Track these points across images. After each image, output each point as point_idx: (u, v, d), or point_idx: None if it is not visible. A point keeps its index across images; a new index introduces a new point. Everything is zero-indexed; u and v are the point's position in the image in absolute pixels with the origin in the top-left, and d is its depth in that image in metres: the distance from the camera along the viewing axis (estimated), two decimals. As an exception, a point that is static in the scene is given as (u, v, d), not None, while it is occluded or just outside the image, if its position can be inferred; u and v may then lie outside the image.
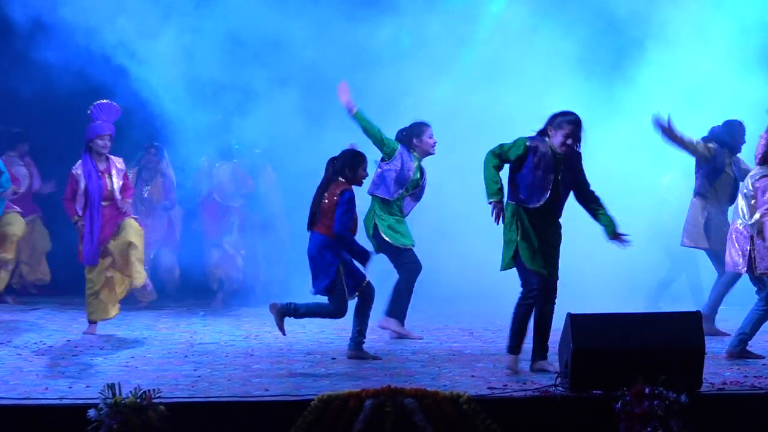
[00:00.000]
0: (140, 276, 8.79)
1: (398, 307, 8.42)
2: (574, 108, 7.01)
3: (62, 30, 10.05)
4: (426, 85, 10.97)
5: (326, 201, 7.21)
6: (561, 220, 6.90)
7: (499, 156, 6.62)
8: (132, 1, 10.48)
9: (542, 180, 6.63)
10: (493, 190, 6.58)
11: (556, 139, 6.61)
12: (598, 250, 8.50)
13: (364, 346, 7.47)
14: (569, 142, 6.60)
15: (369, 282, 7.32)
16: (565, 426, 5.84)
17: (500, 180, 6.65)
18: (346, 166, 7.31)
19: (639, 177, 10.57)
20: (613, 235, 6.80)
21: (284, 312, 7.26)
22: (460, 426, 5.64)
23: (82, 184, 8.48)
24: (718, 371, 6.72)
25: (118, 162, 8.69)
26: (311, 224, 7.28)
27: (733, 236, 7.43)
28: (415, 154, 8.46)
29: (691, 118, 9.29)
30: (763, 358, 7.33)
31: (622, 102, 10.82)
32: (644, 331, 5.99)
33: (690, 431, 5.61)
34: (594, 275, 9.86)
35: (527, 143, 6.61)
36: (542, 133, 6.73)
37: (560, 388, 6.00)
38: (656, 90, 10.70)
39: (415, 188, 8.51)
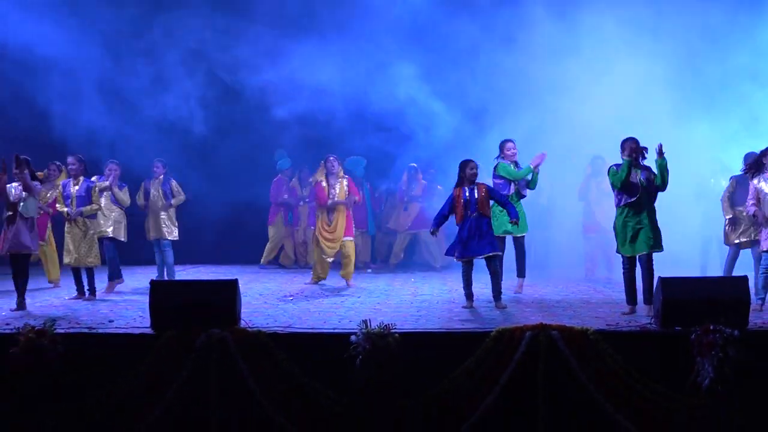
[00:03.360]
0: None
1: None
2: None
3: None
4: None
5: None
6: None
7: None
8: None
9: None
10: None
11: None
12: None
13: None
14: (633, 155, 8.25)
15: None
16: (656, 350, 7.13)
17: None
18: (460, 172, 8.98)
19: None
20: None
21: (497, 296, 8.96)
22: (588, 350, 6.94)
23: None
24: (760, 316, 8.14)
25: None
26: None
27: None
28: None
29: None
30: None
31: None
32: (709, 288, 7.39)
33: (741, 356, 6.83)
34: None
35: (613, 167, 8.43)
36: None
37: (654, 326, 7.45)
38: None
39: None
